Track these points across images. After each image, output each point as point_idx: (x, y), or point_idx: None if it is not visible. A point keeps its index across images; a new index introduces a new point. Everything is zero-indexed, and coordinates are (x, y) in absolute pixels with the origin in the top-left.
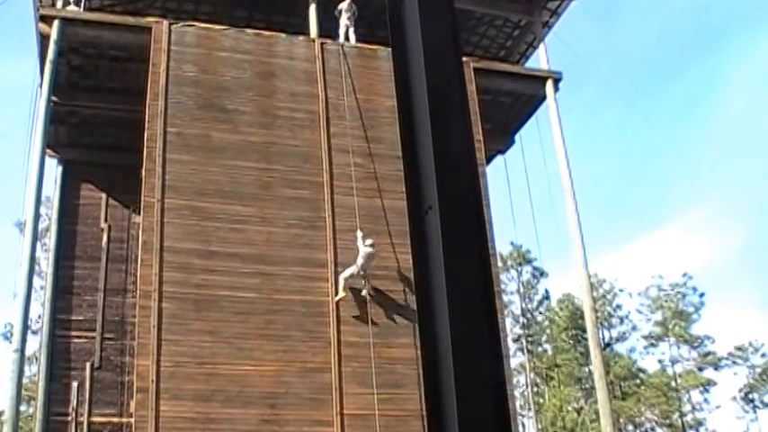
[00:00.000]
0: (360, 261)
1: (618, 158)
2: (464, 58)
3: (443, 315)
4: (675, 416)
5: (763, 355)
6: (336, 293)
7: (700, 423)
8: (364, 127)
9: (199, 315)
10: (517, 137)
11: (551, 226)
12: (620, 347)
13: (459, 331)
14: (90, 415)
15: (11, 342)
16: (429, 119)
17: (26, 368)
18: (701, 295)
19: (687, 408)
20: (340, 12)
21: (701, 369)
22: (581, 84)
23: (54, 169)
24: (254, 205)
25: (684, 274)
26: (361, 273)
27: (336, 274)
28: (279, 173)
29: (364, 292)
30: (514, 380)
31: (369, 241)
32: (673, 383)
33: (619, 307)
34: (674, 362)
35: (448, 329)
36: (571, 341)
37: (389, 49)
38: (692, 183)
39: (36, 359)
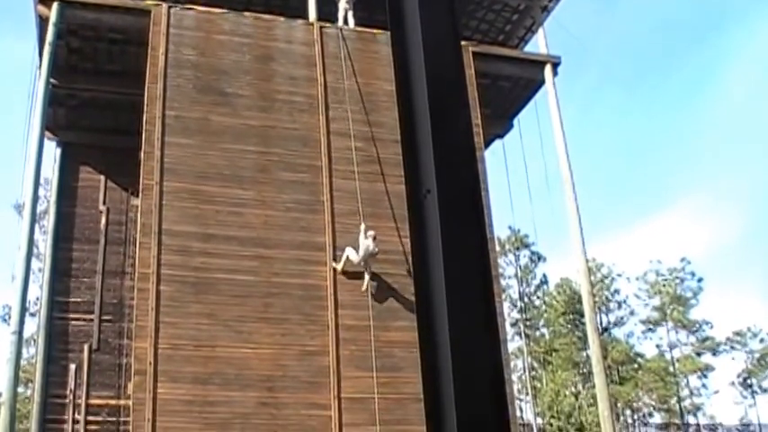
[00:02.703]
0: (361, 253)
1: (617, 144)
2: (462, 43)
3: (441, 298)
4: (673, 401)
5: (761, 341)
6: (336, 262)
7: (698, 408)
8: (363, 111)
9: (197, 298)
10: (516, 121)
11: (549, 210)
12: (617, 332)
13: (457, 315)
14: (88, 397)
15: (9, 324)
16: (428, 103)
17: (24, 350)
18: (700, 280)
19: (685, 393)
20: None
21: (699, 354)
22: (580, 69)
23: (53, 151)
24: (253, 188)
25: (683, 259)
26: (362, 264)
27: (335, 257)
28: (277, 156)
29: (364, 288)
30: (512, 364)
31: (371, 233)
32: (671, 368)
33: (617, 292)
34: (672, 347)
35: (446, 313)
36: (569, 325)
37: (389, 33)
38: (691, 168)
39: (34, 341)
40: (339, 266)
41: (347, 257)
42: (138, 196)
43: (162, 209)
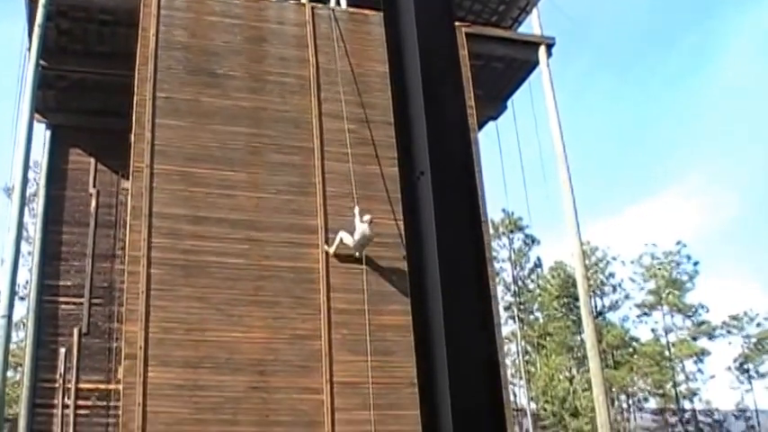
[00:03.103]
0: (357, 237)
1: (611, 126)
2: (456, 23)
3: (435, 281)
4: (669, 385)
5: (758, 325)
6: (329, 245)
7: (694, 393)
8: (356, 92)
9: (187, 281)
10: (509, 103)
11: (544, 193)
12: (612, 316)
13: (451, 298)
14: (77, 381)
15: None
16: (421, 84)
17: (13, 334)
18: (696, 264)
19: (681, 377)
20: None
21: (694, 338)
22: (574, 52)
23: (42, 134)
24: (244, 171)
25: (678, 243)
26: (358, 247)
27: (327, 240)
28: (269, 138)
29: (358, 255)
30: (505, 348)
31: (367, 217)
32: (666, 353)
33: (611, 275)
34: (667, 331)
35: (440, 296)
36: (563, 309)
37: (381, 14)
38: (687, 151)
39: (23, 325)
40: (332, 249)
41: (341, 240)
42: (128, 179)
43: (152, 191)
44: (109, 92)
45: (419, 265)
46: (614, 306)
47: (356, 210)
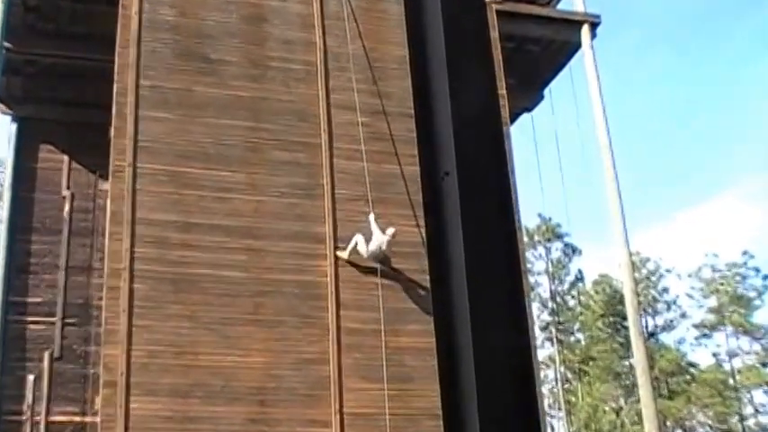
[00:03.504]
0: (372, 247)
1: (663, 116)
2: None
3: (462, 296)
4: (734, 419)
5: None
6: (338, 250)
7: (764, 428)
8: (370, 80)
9: (177, 297)
10: (546, 92)
11: (586, 196)
12: (666, 338)
13: (480, 315)
14: (48, 413)
15: None
16: (446, 71)
17: None
18: (765, 277)
19: (749, 410)
20: None
21: (764, 364)
22: (621, 27)
23: (7, 128)
24: (242, 170)
25: (745, 253)
26: (372, 256)
27: (336, 249)
28: (270, 133)
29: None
30: (542, 374)
31: (391, 230)
32: (730, 381)
33: (665, 290)
34: (731, 355)
35: (467, 314)
36: (609, 330)
37: None
38: (751, 144)
39: None
40: (345, 254)
41: (356, 244)
42: (107, 179)
43: (136, 194)
44: (85, 79)
45: (444, 277)
46: (669, 326)
47: (371, 216)
